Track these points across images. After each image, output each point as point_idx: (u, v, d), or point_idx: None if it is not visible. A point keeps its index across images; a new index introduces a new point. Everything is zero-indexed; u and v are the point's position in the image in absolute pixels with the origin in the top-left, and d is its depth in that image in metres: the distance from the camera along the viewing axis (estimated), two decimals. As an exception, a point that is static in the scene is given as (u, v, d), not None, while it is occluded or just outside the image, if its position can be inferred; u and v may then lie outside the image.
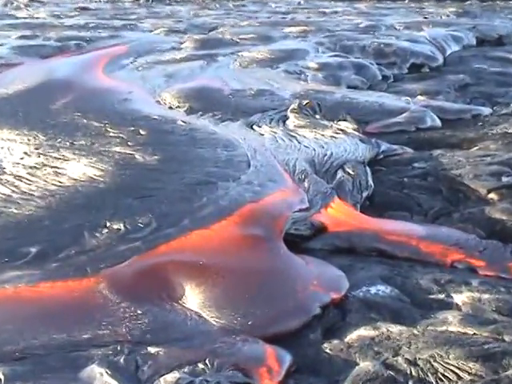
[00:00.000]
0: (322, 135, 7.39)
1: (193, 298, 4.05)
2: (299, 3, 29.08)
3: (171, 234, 4.77)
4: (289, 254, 4.61)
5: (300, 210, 5.31)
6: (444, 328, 3.77)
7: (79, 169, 6.06)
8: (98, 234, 4.78)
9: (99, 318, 3.85)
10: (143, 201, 5.37)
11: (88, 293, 4.10)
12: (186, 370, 3.42)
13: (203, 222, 4.95)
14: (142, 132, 7.25)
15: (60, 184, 5.75)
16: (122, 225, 4.89)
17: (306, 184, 5.87)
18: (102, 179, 5.80)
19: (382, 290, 4.25)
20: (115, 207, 5.23)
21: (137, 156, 6.39)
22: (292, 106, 8.35)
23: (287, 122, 8.02)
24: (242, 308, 3.95)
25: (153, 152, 6.48)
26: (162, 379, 3.37)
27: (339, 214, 5.45)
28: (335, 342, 3.75)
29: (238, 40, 14.67)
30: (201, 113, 8.48)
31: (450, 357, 3.47)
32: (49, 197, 5.50)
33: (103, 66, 11.79)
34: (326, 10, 24.10)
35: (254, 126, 7.85)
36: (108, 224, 4.91)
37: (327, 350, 3.70)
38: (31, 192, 5.61)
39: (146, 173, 5.99)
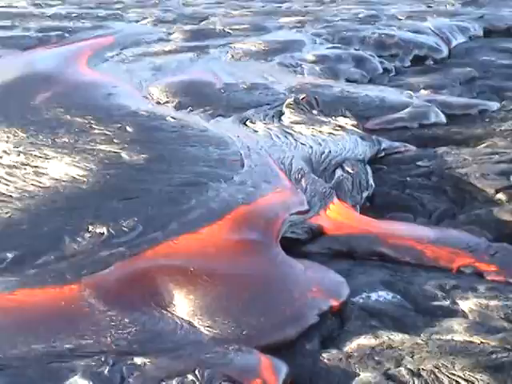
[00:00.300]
0: (320, 132, 7.39)
1: (182, 306, 4.05)
2: (295, -8, 29.06)
3: (157, 238, 4.75)
4: (286, 258, 4.61)
5: (297, 212, 5.31)
6: (449, 337, 3.78)
7: (61, 168, 6.05)
8: (79, 239, 4.76)
9: (82, 328, 3.85)
10: (128, 203, 5.35)
11: (69, 301, 4.09)
12: (174, 381, 3.42)
13: (192, 225, 4.93)
14: (128, 129, 7.23)
15: (40, 184, 5.74)
16: (104, 229, 4.87)
17: (303, 184, 5.87)
18: (84, 179, 5.79)
19: (383, 296, 4.25)
20: (98, 210, 5.22)
21: (123, 154, 6.38)
22: (288, 101, 8.35)
23: (282, 117, 8.01)
24: (235, 316, 3.95)
25: (140, 150, 6.47)
26: (149, 392, 3.37)
27: (338, 216, 5.45)
28: (334, 351, 3.75)
29: (230, 31, 14.65)
30: (191, 108, 8.47)
31: (456, 367, 3.48)
32: (28, 198, 5.48)
33: (87, 58, 11.76)
34: (324, -1, 24.12)
35: (248, 123, 7.85)
36: (90, 228, 4.89)
37: (325, 360, 3.70)
38: (9, 193, 5.60)
39: (133, 173, 5.97)
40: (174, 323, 3.92)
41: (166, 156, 6.38)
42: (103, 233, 4.83)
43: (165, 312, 4.01)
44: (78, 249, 4.65)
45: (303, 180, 5.94)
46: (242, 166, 6.14)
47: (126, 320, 3.90)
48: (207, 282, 4.18)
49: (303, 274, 4.45)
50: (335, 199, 5.69)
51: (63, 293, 4.17)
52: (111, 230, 4.85)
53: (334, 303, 4.15)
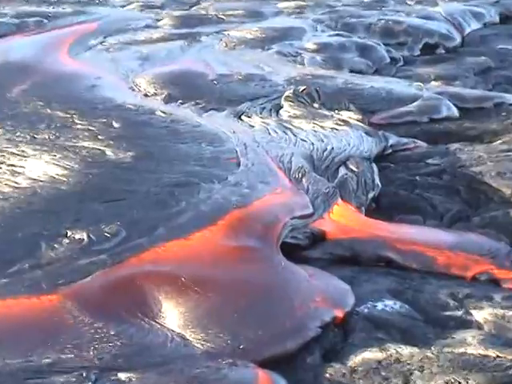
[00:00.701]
0: (322, 127, 7.39)
1: (172, 317, 4.04)
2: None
3: (143, 244, 4.71)
4: (287, 265, 4.59)
5: (300, 216, 5.28)
6: (462, 350, 3.78)
7: (39, 167, 6.03)
8: (56, 245, 4.73)
9: (61, 341, 3.84)
10: (111, 205, 5.33)
11: (46, 312, 4.08)
12: (163, 399, 3.42)
13: (181, 230, 4.90)
14: (113, 124, 7.22)
15: (15, 185, 5.71)
16: (84, 234, 4.84)
17: (304, 184, 5.86)
18: (65, 179, 5.77)
19: (390, 305, 4.26)
20: (78, 213, 5.20)
21: (107, 152, 6.37)
22: (286, 94, 8.35)
23: (281, 111, 8.01)
24: (230, 328, 3.94)
25: (126, 147, 6.46)
26: (135, 410, 3.37)
27: (341, 218, 5.45)
28: (336, 365, 3.76)
29: (223, 17, 14.64)
30: (181, 101, 8.46)
31: (470, 383, 3.48)
32: (1, 200, 5.46)
33: (68, 47, 11.73)
34: (326, -18, 24.12)
35: (243, 117, 7.85)
36: (69, 233, 4.87)
37: (327, 375, 3.70)
38: (-18, 195, 5.58)
39: (118, 172, 5.96)
40: (164, 336, 3.91)
41: (155, 154, 6.38)
42: (83, 239, 4.80)
43: (153, 324, 4.00)
44: (55, 256, 4.62)
45: (304, 179, 5.94)
46: (238, 164, 6.13)
47: (111, 332, 3.90)
48: (199, 292, 4.17)
49: (306, 281, 4.44)
50: (339, 200, 5.68)
51: (39, 303, 4.16)
52: (92, 236, 4.82)
53: (339, 313, 4.15)
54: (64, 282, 4.31)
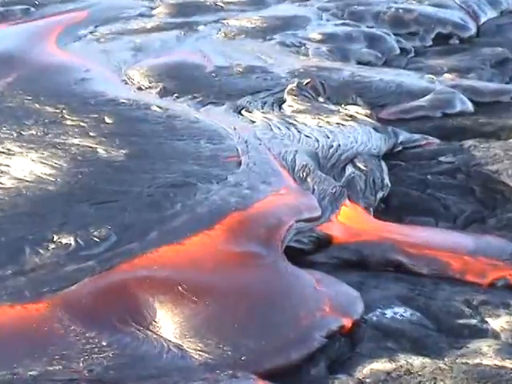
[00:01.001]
0: (327, 122, 7.40)
1: (168, 326, 4.05)
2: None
3: (134, 250, 4.71)
4: (292, 271, 4.59)
5: (304, 218, 5.27)
6: (477, 360, 3.78)
7: (25, 166, 6.03)
8: (41, 250, 4.73)
9: (48, 352, 3.84)
10: (102, 208, 5.32)
11: (31, 321, 4.08)
12: (159, 413, 3.43)
13: (176, 234, 4.89)
14: (106, 120, 7.23)
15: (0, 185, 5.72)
16: (72, 238, 4.84)
17: (309, 183, 5.86)
18: (52, 179, 5.77)
19: (400, 313, 4.26)
20: (66, 216, 5.20)
21: (99, 150, 6.37)
22: (289, 87, 8.36)
23: (284, 106, 8.03)
24: (230, 338, 3.96)
25: (119, 145, 6.46)
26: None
27: (348, 220, 5.45)
28: (343, 377, 3.76)
29: (222, 4, 14.63)
30: (177, 95, 8.47)
31: (485, 396, 3.50)
32: (-16, 201, 5.46)
33: (56, 37, 11.73)
34: (332, -32, 24.11)
35: (243, 112, 7.85)
36: (55, 237, 4.87)
37: (333, 388, 3.71)
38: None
39: (109, 171, 5.96)
40: (158, 346, 3.92)
41: (149, 152, 6.38)
42: (70, 243, 4.80)
43: (147, 333, 4.01)
44: (40, 262, 4.62)
45: (309, 179, 5.94)
46: (239, 163, 6.12)
47: (102, 343, 3.90)
48: (197, 300, 4.18)
49: (312, 288, 4.44)
50: (347, 201, 5.68)
51: (24, 312, 4.16)
52: (79, 240, 4.82)
53: (347, 322, 4.16)
54: (49, 290, 4.31)
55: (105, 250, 4.73)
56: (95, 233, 4.91)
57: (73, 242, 4.81)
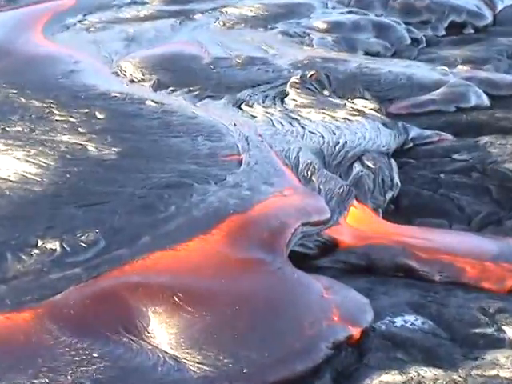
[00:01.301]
0: (333, 117, 7.41)
1: (164, 337, 4.04)
2: None
3: (124, 256, 4.68)
4: (297, 277, 4.58)
5: (312, 220, 5.25)
6: (494, 372, 3.79)
7: (10, 164, 6.02)
8: (24, 257, 4.70)
9: (34, 364, 3.82)
10: (90, 210, 5.29)
11: (15, 332, 4.06)
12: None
13: (169, 239, 4.86)
14: (96, 115, 7.22)
15: (-19, 185, 5.72)
16: (57, 244, 4.80)
17: (314, 183, 5.85)
18: (38, 179, 5.75)
19: (410, 321, 4.27)
20: (51, 219, 5.17)
21: (89, 147, 6.35)
22: (292, 79, 8.37)
23: (286, 99, 8.03)
24: (230, 349, 3.95)
25: (110, 142, 6.45)
26: None
27: (356, 222, 5.45)
28: (350, 390, 3.78)
29: (221, -9, 14.66)
30: (172, 88, 8.47)
31: (501, 410, 3.51)
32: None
33: (43, 26, 11.73)
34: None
35: (243, 106, 7.86)
36: (39, 242, 4.84)
37: (340, 402, 3.73)
38: None
39: (100, 171, 5.94)
40: (153, 357, 3.92)
41: (143, 150, 6.37)
42: (55, 249, 4.76)
43: (141, 344, 3.99)
44: (23, 269, 4.58)
45: (314, 178, 5.92)
46: (239, 162, 6.10)
47: (92, 354, 3.89)
48: (194, 309, 4.17)
49: (319, 295, 4.44)
50: (355, 201, 5.69)
51: (6, 322, 4.14)
52: (65, 246, 4.79)
53: (355, 332, 4.16)
54: (32, 299, 4.29)
55: (93, 256, 4.69)
56: (83, 237, 4.88)
57: (58, 248, 4.78)
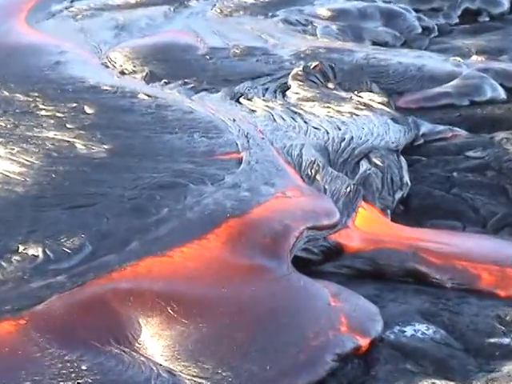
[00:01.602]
0: (338, 112, 7.41)
1: (158, 348, 4.03)
2: None
3: (111, 262, 4.64)
4: (303, 284, 4.58)
5: (318, 224, 5.24)
6: (510, 385, 3.81)
7: (-8, 163, 6.05)
8: (4, 263, 4.67)
9: (17, 378, 3.80)
10: (76, 213, 5.28)
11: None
12: None
13: (161, 244, 4.83)
14: (85, 110, 7.22)
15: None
16: (39, 249, 4.78)
17: (318, 182, 5.84)
18: (21, 179, 5.74)
19: (421, 330, 4.28)
20: (34, 222, 5.15)
21: (77, 145, 6.35)
22: (295, 71, 8.38)
23: (288, 93, 8.04)
24: (229, 362, 3.94)
25: (100, 139, 6.45)
26: None
27: (363, 224, 5.46)
28: (357, 404, 3.79)
29: (217, -24, 14.66)
30: (166, 81, 8.47)
31: (518, 425, 3.52)
32: None
33: (27, 13, 11.74)
34: None
35: (242, 100, 7.86)
36: (20, 248, 4.82)
37: (346, 417, 3.74)
38: None
39: (88, 170, 5.94)
40: (147, 371, 3.89)
41: (135, 147, 6.38)
42: (37, 255, 4.74)
43: (135, 356, 3.96)
44: (2, 277, 4.55)
45: (319, 177, 5.91)
46: (239, 161, 6.09)
47: (82, 367, 3.85)
48: (190, 319, 4.16)
49: (326, 304, 4.44)
50: (363, 202, 5.69)
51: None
52: (48, 252, 4.76)
53: (363, 343, 4.16)
54: (11, 309, 4.25)
55: (77, 263, 4.66)
56: (67, 243, 4.85)
57: (40, 254, 4.75)
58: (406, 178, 6.17)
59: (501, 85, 8.53)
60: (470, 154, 6.66)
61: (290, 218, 5.19)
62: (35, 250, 4.80)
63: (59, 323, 4.16)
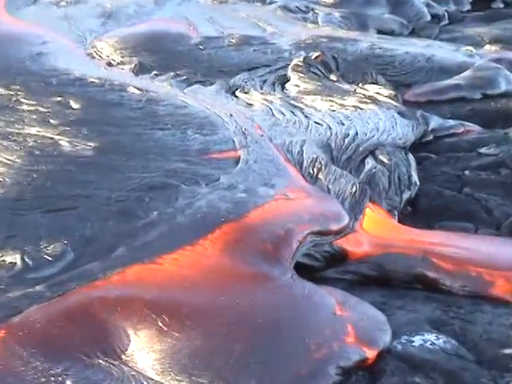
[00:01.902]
0: (341, 105, 7.43)
1: (150, 361, 4.03)
2: None
3: (95, 270, 4.62)
4: (306, 292, 4.57)
5: (324, 229, 5.22)
6: (526, 398, 3.82)
7: (-32, 162, 6.04)
8: (-22, 272, 4.69)
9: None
10: (58, 216, 5.26)
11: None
12: None
13: (149, 250, 4.81)
14: (70, 104, 7.22)
15: None
16: (17, 257, 4.76)
17: (321, 182, 5.85)
18: (-1, 179, 5.77)
19: (431, 340, 4.29)
20: (12, 227, 5.14)
21: (62, 142, 6.35)
22: (295, 62, 8.39)
23: (288, 85, 8.06)
24: (225, 375, 3.93)
25: (86, 136, 6.45)
26: None
27: (369, 227, 5.46)
28: (362, 420, 3.81)
29: (211, -41, 14.67)
30: (156, 72, 8.48)
31: None
32: None
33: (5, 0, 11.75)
34: None
35: (238, 92, 7.88)
36: (-4, 255, 4.85)
37: (350, 433, 3.75)
38: None
39: (72, 170, 5.93)
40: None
41: (124, 145, 6.37)
42: (15, 263, 4.72)
43: (124, 369, 3.95)
44: (-23, 286, 4.56)
45: (321, 176, 5.91)
46: (236, 160, 6.09)
47: (67, 382, 3.86)
48: (183, 329, 4.16)
49: (332, 313, 4.44)
50: (370, 203, 5.70)
51: None
52: (27, 259, 4.74)
53: (370, 354, 4.16)
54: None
55: (58, 271, 4.63)
56: (48, 249, 4.83)
57: (19, 261, 4.72)
58: (415, 177, 6.19)
59: (516, 76, 8.56)
60: (483, 150, 6.67)
61: (292, 222, 5.18)
62: (13, 257, 4.78)
63: (40, 335, 4.15)
